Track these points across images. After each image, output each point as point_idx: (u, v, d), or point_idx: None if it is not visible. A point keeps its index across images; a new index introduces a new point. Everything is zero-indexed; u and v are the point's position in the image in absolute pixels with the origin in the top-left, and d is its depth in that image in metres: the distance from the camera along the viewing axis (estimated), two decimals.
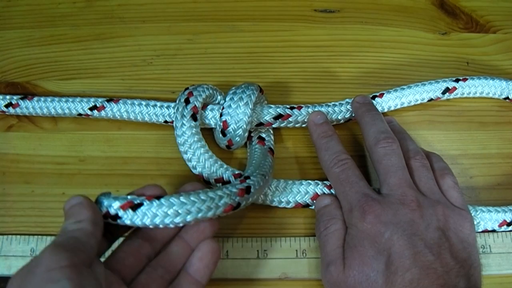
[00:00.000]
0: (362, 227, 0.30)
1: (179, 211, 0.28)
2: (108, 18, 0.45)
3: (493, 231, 0.36)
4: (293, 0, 0.47)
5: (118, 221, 0.28)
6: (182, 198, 0.28)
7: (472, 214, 0.33)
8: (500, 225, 0.35)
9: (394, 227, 0.29)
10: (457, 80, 0.41)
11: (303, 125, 0.38)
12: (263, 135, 0.38)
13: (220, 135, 0.37)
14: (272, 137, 0.38)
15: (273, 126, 0.38)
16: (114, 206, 0.27)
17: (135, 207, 0.27)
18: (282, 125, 0.38)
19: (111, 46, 0.44)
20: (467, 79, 0.41)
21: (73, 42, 0.44)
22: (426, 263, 0.28)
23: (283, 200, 0.35)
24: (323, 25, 0.46)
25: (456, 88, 0.40)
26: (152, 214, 0.27)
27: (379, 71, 0.43)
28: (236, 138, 0.36)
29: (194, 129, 0.36)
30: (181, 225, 0.28)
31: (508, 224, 0.35)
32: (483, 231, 0.36)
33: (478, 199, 0.38)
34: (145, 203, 0.27)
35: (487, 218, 0.35)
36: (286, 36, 0.45)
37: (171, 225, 0.28)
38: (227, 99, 0.36)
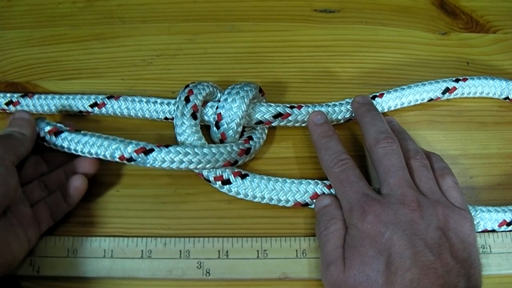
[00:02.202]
0: (362, 227, 0.30)
1: (87, 143, 0.35)
2: (108, 18, 0.45)
3: (493, 231, 0.36)
4: (293, 0, 0.47)
5: (44, 142, 0.36)
6: (89, 137, 0.35)
7: (472, 214, 0.33)
8: (500, 225, 0.35)
9: (394, 227, 0.29)
10: (457, 80, 0.41)
11: (303, 125, 0.38)
12: (254, 136, 0.38)
13: (214, 128, 0.37)
14: (262, 141, 0.38)
15: (273, 124, 0.38)
16: (45, 130, 0.35)
17: (57, 133, 0.35)
18: (281, 124, 0.38)
19: (111, 46, 0.44)
20: (467, 79, 0.41)
21: (73, 42, 0.44)
22: (426, 263, 0.28)
23: (282, 198, 0.35)
24: (323, 25, 0.46)
25: (456, 88, 0.40)
26: (67, 142, 0.35)
27: (379, 71, 0.43)
28: (229, 132, 0.36)
29: (194, 127, 0.36)
30: (82, 155, 0.35)
31: (508, 224, 0.35)
32: (483, 231, 0.35)
33: (478, 199, 0.38)
34: (65, 132, 0.35)
35: (487, 218, 0.35)
36: (286, 36, 0.45)
37: (74, 152, 0.35)
38: (225, 93, 0.37)
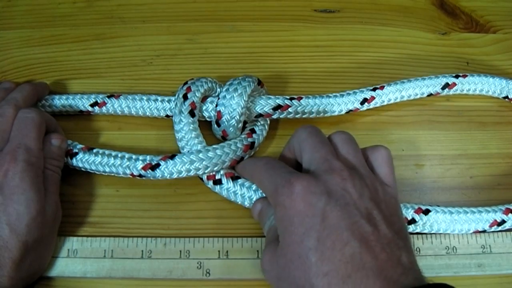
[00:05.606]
0: (290, 203, 0.28)
1: (100, 164, 0.35)
2: (108, 18, 0.45)
3: (484, 231, 0.35)
4: (293, 0, 0.47)
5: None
6: (100, 157, 0.35)
7: (462, 216, 0.34)
8: (491, 225, 0.35)
9: (327, 197, 0.27)
10: (457, 76, 0.41)
11: (304, 116, 0.38)
12: (256, 129, 0.37)
13: (215, 125, 0.37)
14: (265, 133, 0.38)
15: (273, 117, 0.38)
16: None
17: (73, 155, 0.36)
18: (281, 116, 0.38)
19: (111, 46, 0.44)
20: (467, 75, 0.41)
21: (73, 42, 0.44)
22: (364, 234, 0.26)
23: None
24: (323, 25, 0.46)
25: (455, 84, 0.40)
26: (82, 163, 0.36)
27: (379, 71, 0.43)
28: (230, 129, 0.36)
29: (192, 125, 0.36)
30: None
31: (499, 224, 0.35)
32: (474, 232, 0.35)
33: (478, 199, 0.38)
34: (79, 153, 0.36)
35: (478, 219, 0.35)
36: (286, 36, 0.45)
37: (90, 171, 0.36)
38: (223, 90, 0.37)
